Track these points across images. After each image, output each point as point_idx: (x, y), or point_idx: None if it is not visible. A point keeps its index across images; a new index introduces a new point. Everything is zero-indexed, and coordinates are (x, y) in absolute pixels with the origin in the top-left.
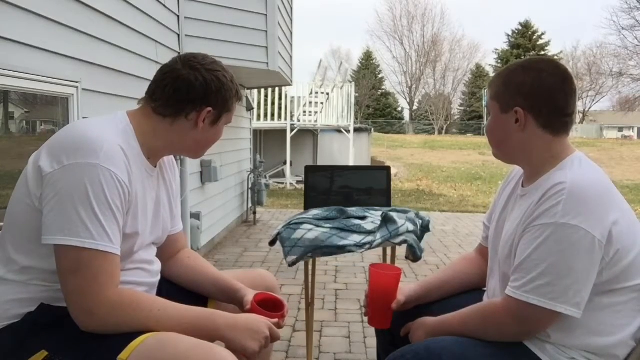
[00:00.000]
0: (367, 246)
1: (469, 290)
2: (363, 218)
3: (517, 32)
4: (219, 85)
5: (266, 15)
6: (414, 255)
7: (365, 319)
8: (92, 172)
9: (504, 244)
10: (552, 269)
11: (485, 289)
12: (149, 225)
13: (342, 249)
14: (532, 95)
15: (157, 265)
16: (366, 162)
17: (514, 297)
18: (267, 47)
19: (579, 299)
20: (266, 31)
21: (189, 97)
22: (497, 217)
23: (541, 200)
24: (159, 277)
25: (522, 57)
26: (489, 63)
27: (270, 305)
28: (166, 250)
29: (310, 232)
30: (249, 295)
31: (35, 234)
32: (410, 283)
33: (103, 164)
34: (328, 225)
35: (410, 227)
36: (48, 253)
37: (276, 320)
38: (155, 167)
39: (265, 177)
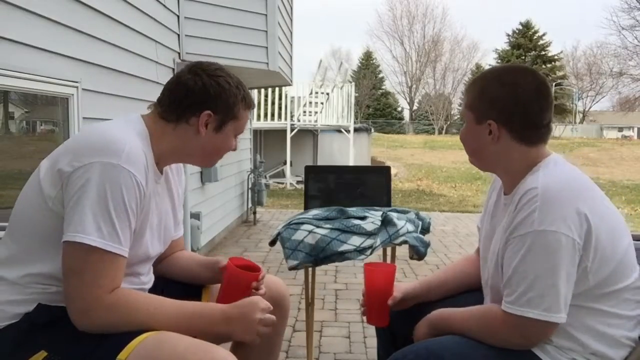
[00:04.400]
0: (368, 251)
1: (469, 290)
2: (363, 218)
3: (517, 32)
4: (218, 90)
5: (266, 15)
6: (418, 253)
7: (365, 318)
8: (112, 172)
9: (492, 254)
10: (540, 279)
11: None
12: (153, 234)
13: (341, 256)
14: (505, 110)
15: (151, 275)
16: (366, 162)
17: (510, 312)
18: (267, 47)
19: (566, 304)
20: (266, 31)
21: (187, 101)
22: (488, 225)
23: (517, 208)
24: (150, 284)
25: (524, 57)
26: (489, 63)
27: (248, 270)
28: (164, 253)
29: (310, 235)
30: (225, 260)
31: (41, 234)
32: (410, 282)
33: (124, 164)
34: (328, 226)
35: (410, 228)
36: (49, 255)
37: (251, 282)
38: (162, 173)
39: (265, 177)
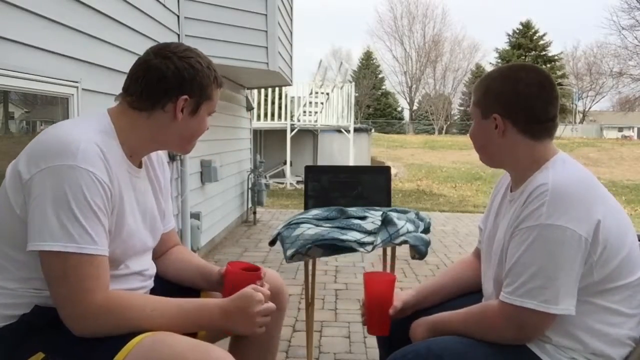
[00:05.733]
0: (369, 247)
1: (467, 293)
2: (363, 218)
3: (518, 32)
4: (192, 72)
5: (266, 15)
6: (419, 252)
7: (366, 328)
8: (70, 174)
9: (495, 250)
10: (542, 271)
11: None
12: (139, 229)
13: (342, 243)
14: (508, 103)
15: (152, 270)
16: (366, 162)
17: (508, 303)
18: (267, 47)
19: (570, 298)
20: (266, 31)
21: (161, 87)
22: (491, 224)
23: (525, 203)
24: (152, 281)
25: (524, 57)
26: (490, 62)
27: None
28: (158, 249)
29: (310, 230)
30: (218, 267)
31: (18, 242)
32: (410, 285)
33: (81, 164)
34: (328, 225)
35: (410, 228)
36: (33, 261)
37: (254, 282)
38: (140, 167)
39: (265, 177)
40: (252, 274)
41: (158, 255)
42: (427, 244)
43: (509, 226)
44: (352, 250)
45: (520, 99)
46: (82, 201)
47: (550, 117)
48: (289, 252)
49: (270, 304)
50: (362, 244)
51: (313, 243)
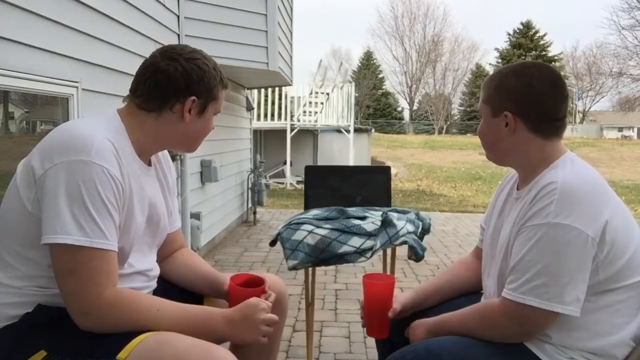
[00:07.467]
0: (369, 253)
1: (465, 294)
2: (363, 218)
3: (518, 31)
4: (200, 74)
5: (266, 15)
6: (415, 255)
7: (366, 330)
8: (83, 169)
9: (500, 247)
10: (547, 269)
11: (482, 291)
12: (147, 226)
13: (341, 258)
14: (520, 100)
15: (156, 271)
16: (366, 162)
17: (511, 299)
18: (267, 47)
19: (575, 297)
20: (266, 31)
21: (170, 88)
22: (494, 222)
23: (534, 200)
24: (155, 282)
25: (524, 57)
26: (489, 62)
27: (251, 285)
28: (164, 250)
29: (310, 235)
30: (227, 278)
31: (27, 238)
32: (410, 285)
33: (94, 160)
34: (328, 226)
35: (410, 228)
36: (41, 258)
37: (258, 297)
38: (150, 165)
39: (265, 177)
40: (255, 290)
41: (163, 257)
42: (424, 249)
43: (515, 223)
44: (350, 262)
45: (534, 96)
46: (96, 196)
47: (561, 116)
48: (290, 264)
49: (274, 316)
50: (362, 252)
51: (313, 263)
